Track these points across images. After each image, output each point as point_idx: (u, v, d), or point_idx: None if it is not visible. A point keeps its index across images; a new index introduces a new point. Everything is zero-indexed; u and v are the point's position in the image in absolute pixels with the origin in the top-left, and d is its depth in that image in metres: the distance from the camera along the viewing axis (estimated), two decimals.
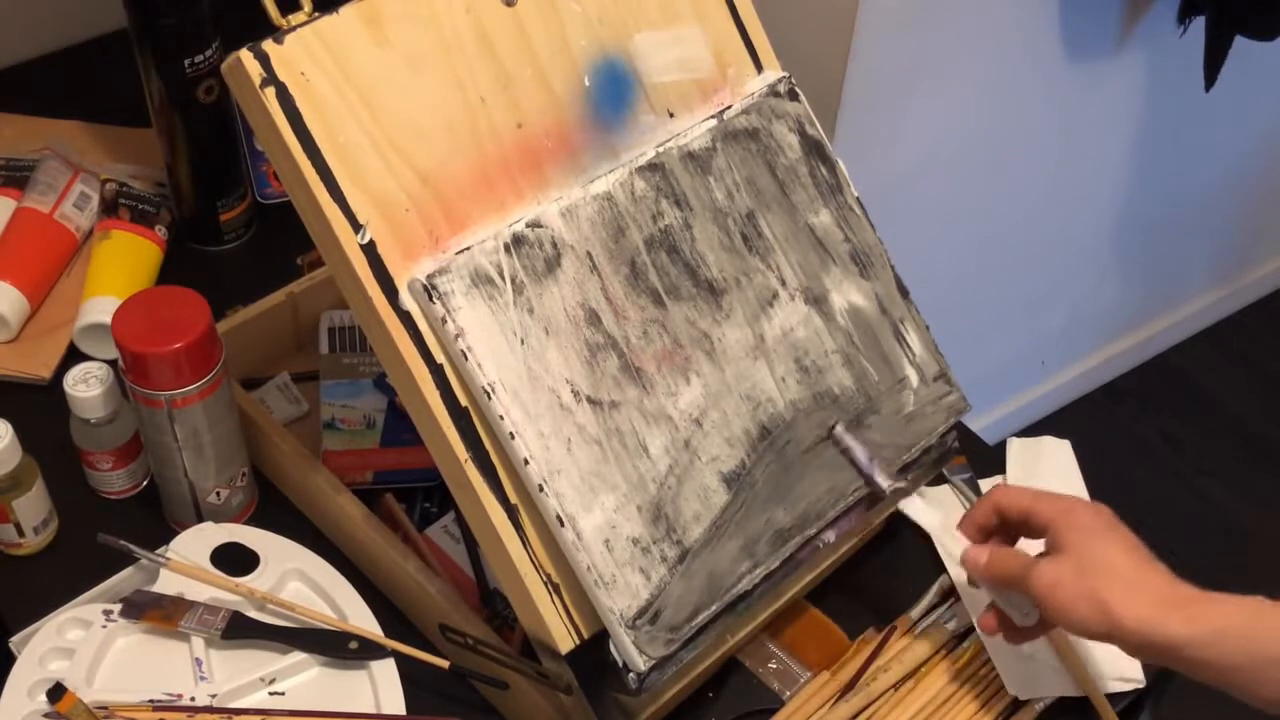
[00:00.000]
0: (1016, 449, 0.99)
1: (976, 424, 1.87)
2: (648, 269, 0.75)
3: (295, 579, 0.83)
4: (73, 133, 1.17)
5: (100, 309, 0.98)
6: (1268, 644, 0.67)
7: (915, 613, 0.88)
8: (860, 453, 0.78)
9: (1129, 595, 0.69)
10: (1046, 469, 0.97)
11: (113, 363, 0.85)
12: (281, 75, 0.66)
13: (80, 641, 0.77)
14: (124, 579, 0.83)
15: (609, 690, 0.72)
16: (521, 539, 0.70)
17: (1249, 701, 0.68)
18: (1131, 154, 1.72)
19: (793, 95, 0.82)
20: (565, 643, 0.71)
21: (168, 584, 0.80)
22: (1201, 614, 0.68)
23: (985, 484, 0.96)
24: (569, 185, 0.75)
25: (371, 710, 0.77)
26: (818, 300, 0.80)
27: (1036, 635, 0.79)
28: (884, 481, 0.79)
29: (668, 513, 0.72)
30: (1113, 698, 0.84)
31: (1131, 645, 0.70)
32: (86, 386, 0.85)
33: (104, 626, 0.78)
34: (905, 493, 0.82)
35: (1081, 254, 1.83)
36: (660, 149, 0.77)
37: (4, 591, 0.86)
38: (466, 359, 0.68)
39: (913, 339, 0.84)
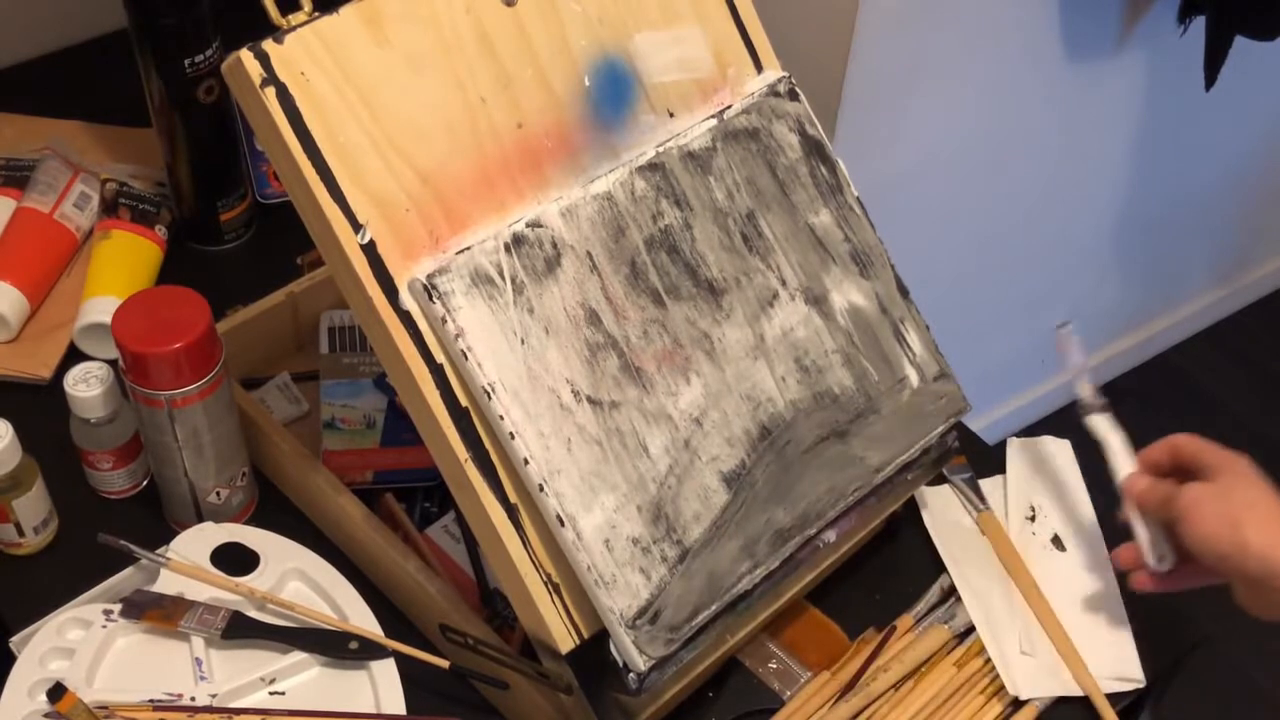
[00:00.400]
0: (1016, 449, 0.99)
1: (976, 424, 1.87)
2: (648, 269, 0.75)
3: (295, 579, 0.83)
4: (73, 133, 1.17)
5: (100, 309, 0.98)
6: None
7: (915, 612, 0.88)
8: (1077, 354, 0.91)
9: (1262, 524, 0.75)
10: (1047, 469, 0.97)
11: (113, 362, 0.85)
12: (281, 75, 0.66)
13: (80, 641, 0.77)
14: (124, 579, 0.83)
15: (609, 690, 0.72)
16: (521, 539, 0.70)
17: None
18: (1131, 154, 1.72)
19: (793, 95, 0.82)
20: (565, 643, 0.71)
21: (168, 584, 0.80)
22: None
23: (986, 484, 0.96)
24: (569, 185, 0.75)
25: (372, 710, 0.77)
26: (818, 300, 0.80)
27: (1168, 586, 0.83)
28: (1089, 397, 0.89)
29: (668, 512, 0.72)
30: (1113, 697, 0.84)
31: (1250, 570, 0.75)
32: (86, 386, 0.85)
33: (104, 626, 0.78)
34: (1097, 410, 0.90)
35: (1081, 254, 1.83)
36: (660, 149, 0.77)
37: (4, 591, 0.86)
38: (466, 359, 0.68)
39: (913, 339, 0.84)
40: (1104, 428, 0.89)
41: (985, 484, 0.96)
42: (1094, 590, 0.89)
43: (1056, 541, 0.92)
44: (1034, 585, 0.89)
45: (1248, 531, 0.75)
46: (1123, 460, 0.87)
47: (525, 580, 0.70)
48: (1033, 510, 0.94)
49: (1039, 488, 0.96)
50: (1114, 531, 0.92)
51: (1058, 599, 0.88)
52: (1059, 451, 0.99)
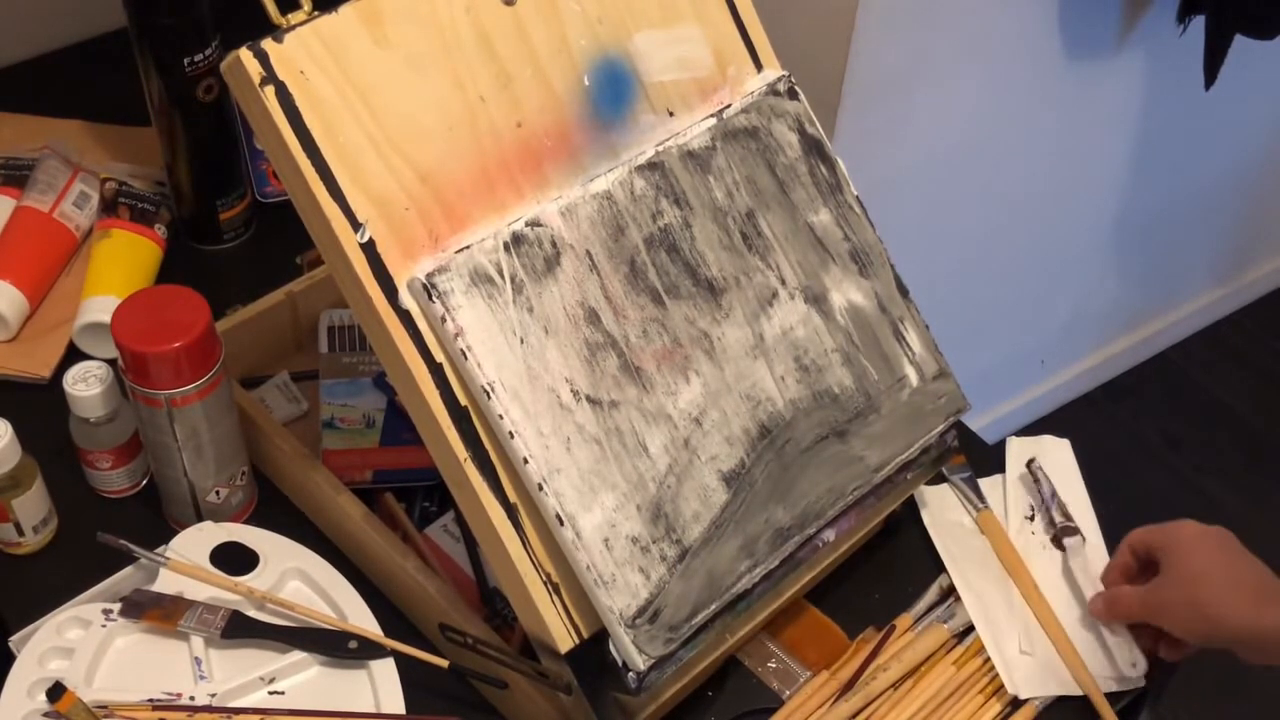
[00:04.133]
0: (1016, 448, 0.99)
1: (976, 423, 1.87)
2: (647, 268, 0.75)
3: (295, 578, 0.83)
4: (72, 132, 1.17)
5: (100, 308, 0.98)
6: None
7: (914, 612, 0.88)
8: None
9: (1224, 596, 0.76)
10: (1046, 468, 0.97)
11: (112, 362, 0.85)
12: (281, 74, 0.66)
13: (80, 641, 0.77)
14: (123, 578, 0.83)
15: (609, 689, 0.72)
16: (521, 538, 0.70)
17: None
18: (1131, 152, 1.72)
19: (792, 94, 0.82)
20: (565, 642, 0.71)
21: (167, 583, 0.80)
22: None
23: (985, 483, 0.96)
24: (569, 184, 0.75)
25: (371, 710, 0.77)
26: (817, 299, 0.80)
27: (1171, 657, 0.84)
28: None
29: (667, 512, 0.72)
30: (1112, 696, 0.84)
31: (1237, 639, 0.75)
32: (86, 386, 0.85)
33: (103, 626, 0.78)
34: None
35: (1081, 252, 1.83)
36: (660, 148, 0.77)
37: (3, 590, 0.86)
38: (466, 358, 0.68)
39: (912, 338, 0.84)
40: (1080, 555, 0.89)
41: (984, 483, 0.96)
42: (1094, 590, 0.89)
43: (1056, 541, 0.92)
44: (1033, 585, 0.89)
45: (1214, 613, 0.76)
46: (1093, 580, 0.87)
47: (524, 579, 0.70)
48: (1032, 510, 0.94)
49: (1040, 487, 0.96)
50: (1111, 532, 0.92)
51: (1057, 598, 0.88)
52: (1058, 450, 0.99)
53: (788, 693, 0.84)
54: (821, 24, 1.23)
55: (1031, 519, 0.94)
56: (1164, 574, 0.79)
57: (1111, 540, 0.93)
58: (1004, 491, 0.96)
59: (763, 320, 0.78)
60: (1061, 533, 0.91)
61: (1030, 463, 0.95)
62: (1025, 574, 0.90)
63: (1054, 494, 0.93)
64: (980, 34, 1.34)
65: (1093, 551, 0.92)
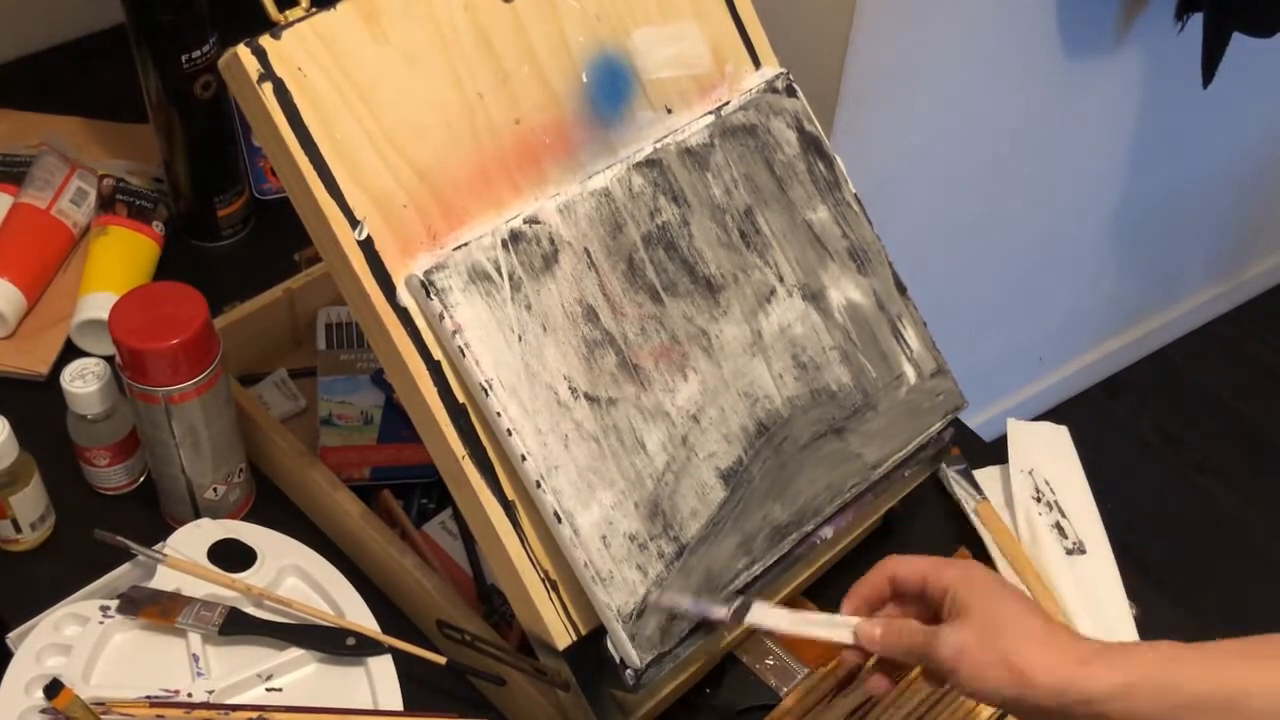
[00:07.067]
0: (1016, 430, 0.99)
1: (973, 420, 1.87)
2: (645, 265, 0.75)
3: (292, 575, 0.83)
4: (70, 128, 1.17)
5: (97, 305, 0.98)
6: (1181, 692, 0.62)
7: None
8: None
9: (1040, 652, 0.64)
10: (1045, 454, 0.97)
11: (110, 359, 0.85)
12: (279, 71, 0.66)
13: (77, 637, 0.77)
14: (121, 575, 0.83)
15: (606, 686, 0.72)
16: (519, 535, 0.70)
17: None
18: (1129, 150, 1.72)
19: (790, 91, 0.82)
20: (563, 639, 0.71)
21: (165, 580, 0.80)
22: (1116, 666, 0.64)
23: (981, 477, 0.96)
24: (567, 182, 0.74)
25: (369, 706, 0.77)
26: (815, 297, 0.80)
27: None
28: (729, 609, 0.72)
29: (665, 509, 0.72)
30: None
31: (1045, 707, 0.64)
32: (83, 382, 0.85)
33: (101, 622, 0.78)
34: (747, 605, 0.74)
35: (1079, 250, 1.83)
36: (658, 145, 0.77)
37: (1, 587, 0.86)
38: (464, 355, 0.68)
39: (910, 335, 0.84)
40: (770, 614, 0.74)
41: (981, 477, 0.96)
42: (1099, 598, 0.89)
43: (1059, 529, 0.92)
44: (1036, 574, 0.89)
45: (1027, 669, 0.64)
46: (823, 621, 0.72)
47: (522, 577, 0.70)
48: (1038, 492, 0.94)
49: (1041, 471, 0.96)
50: (1111, 528, 0.92)
51: (1065, 586, 0.88)
52: (1056, 437, 0.99)
53: (785, 689, 0.84)
54: (820, 21, 1.23)
55: (1038, 500, 0.94)
56: (965, 619, 0.66)
57: (1113, 536, 0.93)
58: (1008, 476, 0.95)
59: (761, 318, 0.78)
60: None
61: (1031, 472, 0.95)
62: (1027, 563, 0.89)
63: (1054, 505, 0.93)
64: (978, 31, 1.34)
65: (1097, 540, 0.92)
